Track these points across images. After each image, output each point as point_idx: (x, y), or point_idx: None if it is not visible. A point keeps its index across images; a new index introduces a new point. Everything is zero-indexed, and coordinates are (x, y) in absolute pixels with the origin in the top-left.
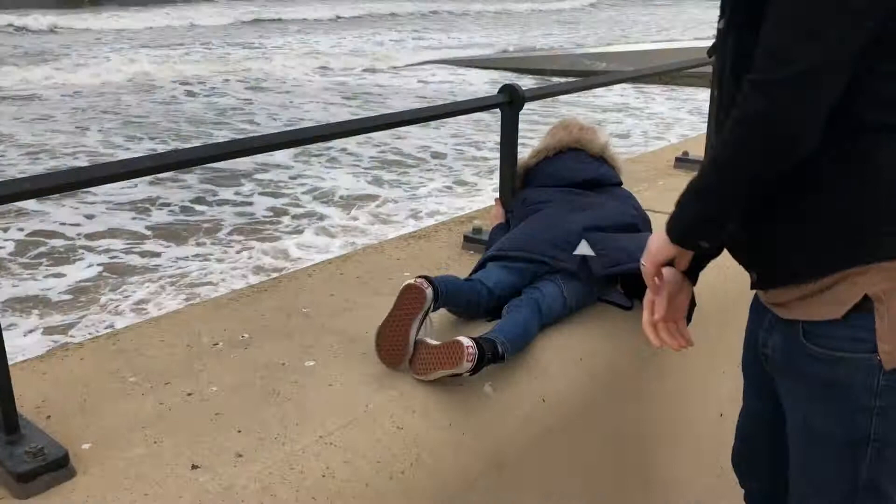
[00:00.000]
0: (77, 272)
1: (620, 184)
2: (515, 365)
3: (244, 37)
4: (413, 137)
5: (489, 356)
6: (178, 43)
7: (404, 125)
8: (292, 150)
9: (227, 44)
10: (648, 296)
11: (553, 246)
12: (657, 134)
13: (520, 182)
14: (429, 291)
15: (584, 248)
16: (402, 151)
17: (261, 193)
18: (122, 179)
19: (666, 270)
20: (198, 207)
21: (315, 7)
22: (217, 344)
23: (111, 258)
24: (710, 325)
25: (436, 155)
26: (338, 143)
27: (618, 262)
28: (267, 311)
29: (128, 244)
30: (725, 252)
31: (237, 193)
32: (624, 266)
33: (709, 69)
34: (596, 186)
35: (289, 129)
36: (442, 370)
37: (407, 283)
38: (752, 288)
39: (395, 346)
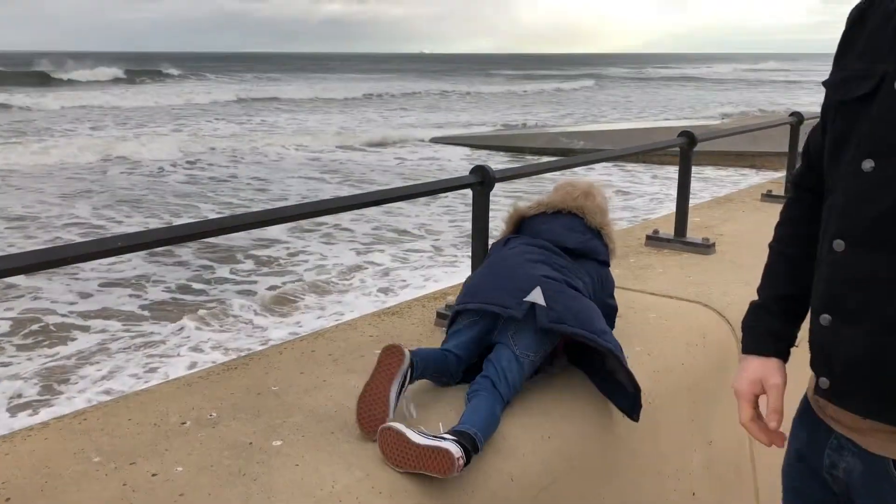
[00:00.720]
0: (66, 350)
1: (607, 264)
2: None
3: (233, 114)
4: (405, 213)
5: (472, 451)
6: (167, 120)
7: (379, 204)
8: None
9: (216, 119)
10: (744, 389)
11: (505, 293)
12: (651, 208)
13: (511, 228)
14: (407, 352)
15: (536, 296)
16: (398, 227)
17: (264, 274)
18: (108, 256)
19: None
20: (196, 286)
21: (303, 87)
22: (185, 423)
23: (108, 337)
24: (681, 402)
25: (431, 231)
26: (330, 219)
27: (563, 321)
28: (236, 390)
29: (125, 325)
30: (689, 326)
31: (233, 272)
32: (567, 328)
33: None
34: (579, 257)
35: (269, 208)
36: (426, 472)
37: (387, 344)
38: (815, 394)
39: (375, 407)
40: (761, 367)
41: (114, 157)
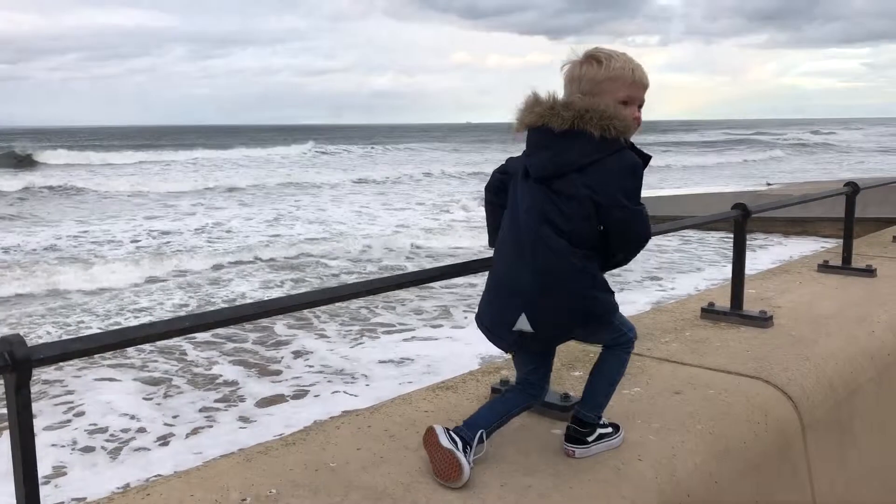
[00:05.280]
0: None
1: (610, 156)
2: None
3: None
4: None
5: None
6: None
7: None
8: None
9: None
10: None
11: (498, 322)
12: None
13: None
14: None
15: (522, 324)
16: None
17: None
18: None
19: None
20: None
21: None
22: (245, 499)
23: None
24: (746, 483)
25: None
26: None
27: (556, 335)
28: (295, 465)
29: None
30: (750, 403)
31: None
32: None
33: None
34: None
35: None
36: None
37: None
38: None
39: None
40: None
41: None
